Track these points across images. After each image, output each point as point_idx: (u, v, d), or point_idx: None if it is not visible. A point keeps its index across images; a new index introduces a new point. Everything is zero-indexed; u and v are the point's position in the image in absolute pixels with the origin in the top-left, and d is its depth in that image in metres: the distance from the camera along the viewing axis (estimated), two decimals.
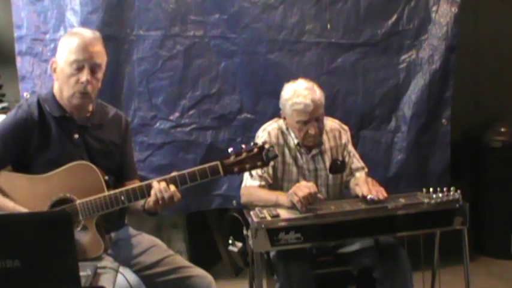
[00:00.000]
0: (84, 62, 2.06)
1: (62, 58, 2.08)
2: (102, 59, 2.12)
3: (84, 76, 2.05)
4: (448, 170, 3.42)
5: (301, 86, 2.52)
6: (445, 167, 3.42)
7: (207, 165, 2.03)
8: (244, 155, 2.03)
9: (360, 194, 2.37)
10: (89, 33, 2.12)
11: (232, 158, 2.03)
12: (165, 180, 2.02)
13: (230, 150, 2.05)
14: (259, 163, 2.04)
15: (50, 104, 2.12)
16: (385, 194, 2.34)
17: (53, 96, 2.13)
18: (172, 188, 2.00)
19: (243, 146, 2.04)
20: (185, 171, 2.03)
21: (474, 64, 4.03)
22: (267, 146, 2.07)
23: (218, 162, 2.02)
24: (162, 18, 3.16)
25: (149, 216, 2.21)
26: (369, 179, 2.43)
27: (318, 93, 2.51)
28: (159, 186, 2.00)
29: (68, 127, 2.13)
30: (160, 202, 2.01)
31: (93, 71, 2.08)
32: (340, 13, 3.30)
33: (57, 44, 3.14)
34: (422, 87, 3.37)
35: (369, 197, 2.32)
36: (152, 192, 2.01)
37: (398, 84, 3.39)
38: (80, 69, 2.06)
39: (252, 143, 2.08)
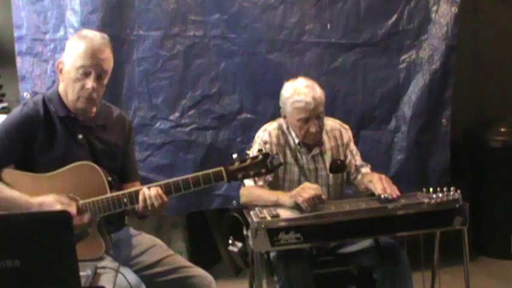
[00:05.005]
0: (91, 69, 2.04)
1: (69, 61, 2.06)
2: (109, 65, 2.11)
3: (90, 83, 2.04)
4: (448, 170, 3.42)
5: (302, 84, 2.53)
6: (445, 167, 3.42)
7: (211, 170, 2.01)
8: (248, 161, 2.03)
9: (375, 192, 2.38)
10: (98, 38, 2.09)
11: (236, 165, 2.02)
12: (160, 186, 2.00)
13: (234, 156, 2.04)
14: (263, 170, 2.04)
15: (55, 103, 2.11)
16: (398, 193, 2.35)
17: (58, 95, 2.12)
18: (162, 195, 1.99)
19: (248, 152, 2.02)
20: (189, 176, 2.02)
21: (474, 64, 4.03)
22: (266, 148, 2.04)
23: (222, 168, 2.01)
24: (162, 18, 3.16)
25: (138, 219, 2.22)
26: (383, 176, 2.44)
27: (318, 91, 2.52)
28: (149, 193, 1.99)
29: (73, 127, 2.12)
30: (149, 208, 2.00)
31: (99, 77, 2.06)
32: (340, 13, 3.30)
33: (57, 44, 3.13)
34: (422, 87, 3.37)
35: (382, 196, 2.33)
36: (140, 198, 2.00)
37: (398, 84, 3.40)
38: (86, 74, 2.04)
39: (252, 151, 2.04)
